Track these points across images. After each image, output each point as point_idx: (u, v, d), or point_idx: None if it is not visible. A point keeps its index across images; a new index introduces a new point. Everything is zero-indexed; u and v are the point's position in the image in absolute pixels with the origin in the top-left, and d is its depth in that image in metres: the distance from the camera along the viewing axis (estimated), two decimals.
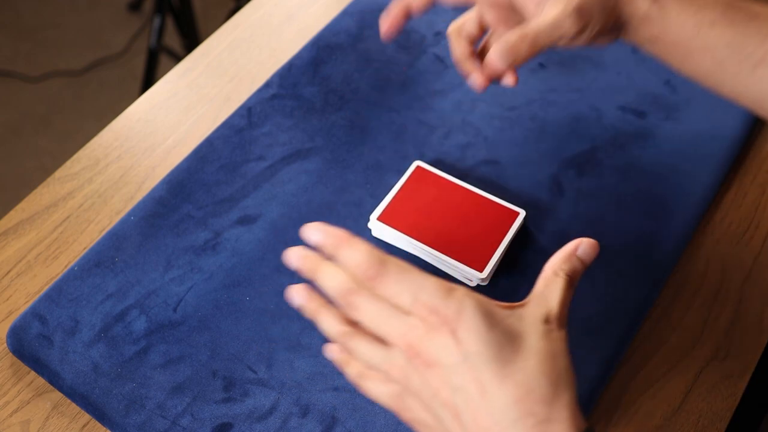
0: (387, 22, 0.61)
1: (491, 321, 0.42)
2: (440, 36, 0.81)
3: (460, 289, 0.43)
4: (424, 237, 0.64)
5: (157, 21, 1.67)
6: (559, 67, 0.78)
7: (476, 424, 0.42)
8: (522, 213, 0.66)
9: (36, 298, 0.63)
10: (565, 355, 0.44)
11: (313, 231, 0.46)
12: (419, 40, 0.80)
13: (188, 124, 0.76)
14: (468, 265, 0.63)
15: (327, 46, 0.80)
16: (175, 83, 0.79)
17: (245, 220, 0.67)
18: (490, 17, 0.61)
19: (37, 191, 0.71)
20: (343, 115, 0.75)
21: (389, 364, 0.45)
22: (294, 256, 0.47)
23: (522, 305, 0.45)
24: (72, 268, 0.64)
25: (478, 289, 0.64)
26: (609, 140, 0.73)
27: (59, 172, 0.72)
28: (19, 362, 0.61)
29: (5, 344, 0.62)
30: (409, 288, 0.43)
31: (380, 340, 0.45)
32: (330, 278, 0.45)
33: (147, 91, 0.78)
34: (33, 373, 0.61)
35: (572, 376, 0.43)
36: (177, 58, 1.68)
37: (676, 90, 0.77)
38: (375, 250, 0.44)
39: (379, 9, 0.83)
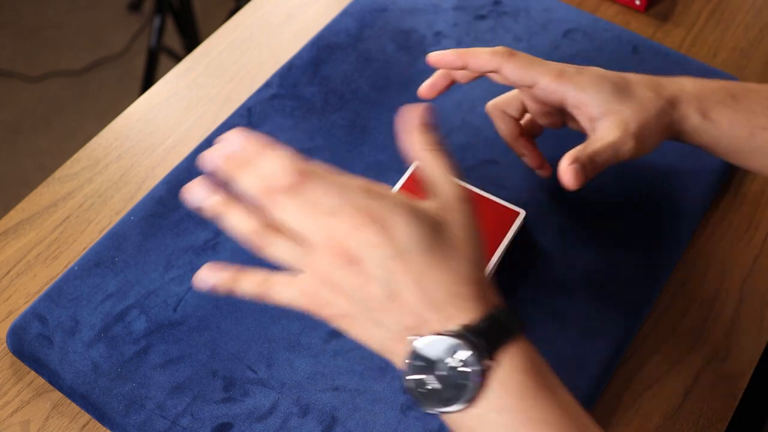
0: (429, 86, 0.63)
1: (419, 215, 0.45)
2: (440, 36, 0.81)
3: (385, 188, 0.46)
4: None
5: (157, 21, 1.67)
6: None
7: (408, 308, 0.44)
8: (522, 213, 0.66)
9: (36, 298, 0.63)
10: (477, 228, 0.48)
11: (234, 136, 0.46)
12: (419, 40, 0.80)
13: (188, 124, 0.76)
14: None
15: (327, 46, 0.80)
16: (175, 83, 0.79)
17: None
18: (534, 109, 0.63)
19: (37, 191, 0.71)
20: (343, 115, 0.75)
21: (307, 261, 0.45)
22: (214, 155, 0.46)
23: (430, 197, 0.48)
24: (72, 268, 0.64)
25: None
26: None
27: (59, 172, 0.72)
28: (19, 362, 0.61)
29: (5, 344, 0.62)
30: (338, 189, 0.44)
31: (298, 240, 0.46)
32: (254, 176, 0.45)
33: (147, 91, 0.78)
34: (33, 373, 0.61)
35: (483, 253, 0.47)
36: (177, 58, 1.68)
37: None
38: (295, 156, 0.44)
39: (380, 9, 0.83)
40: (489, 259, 0.63)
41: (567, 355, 0.61)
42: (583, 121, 0.59)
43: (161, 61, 1.78)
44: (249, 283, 0.48)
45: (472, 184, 0.69)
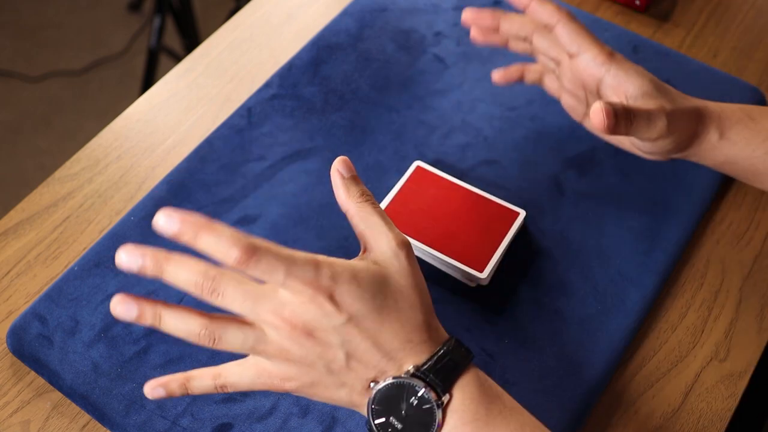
0: (502, 72, 0.65)
1: (360, 278, 0.46)
2: (440, 36, 0.81)
3: (325, 259, 0.46)
4: (424, 237, 0.64)
5: (157, 21, 1.67)
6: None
7: (367, 365, 0.47)
8: (522, 213, 0.66)
9: (36, 298, 0.63)
10: (418, 271, 0.49)
11: (168, 219, 0.43)
12: (419, 40, 0.80)
13: (188, 124, 0.76)
14: (468, 266, 0.63)
15: (327, 46, 0.80)
16: (175, 83, 0.79)
17: (245, 220, 0.67)
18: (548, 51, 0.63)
19: (37, 191, 0.71)
20: (343, 115, 0.75)
21: (264, 344, 0.46)
22: (131, 255, 0.44)
23: (368, 250, 0.49)
24: (72, 268, 0.64)
25: (478, 289, 0.64)
26: None
27: (59, 172, 0.72)
28: (19, 362, 0.61)
29: (5, 344, 0.62)
30: (281, 265, 0.44)
31: (248, 324, 0.46)
32: (186, 268, 0.45)
33: (147, 91, 0.78)
34: (33, 373, 0.61)
35: (427, 293, 0.49)
36: (177, 58, 1.68)
37: None
38: (238, 232, 0.44)
39: (380, 9, 0.83)
40: (489, 259, 0.63)
41: (567, 355, 0.61)
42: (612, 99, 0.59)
43: (161, 61, 1.78)
44: (201, 383, 0.49)
45: (472, 184, 0.69)
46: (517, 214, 0.66)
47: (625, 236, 0.67)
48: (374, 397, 0.47)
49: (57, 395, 0.60)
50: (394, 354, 0.47)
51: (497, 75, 0.66)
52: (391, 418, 0.47)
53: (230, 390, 0.49)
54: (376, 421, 0.47)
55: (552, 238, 0.67)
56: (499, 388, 0.48)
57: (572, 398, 0.59)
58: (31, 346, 0.61)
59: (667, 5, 0.87)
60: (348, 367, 0.46)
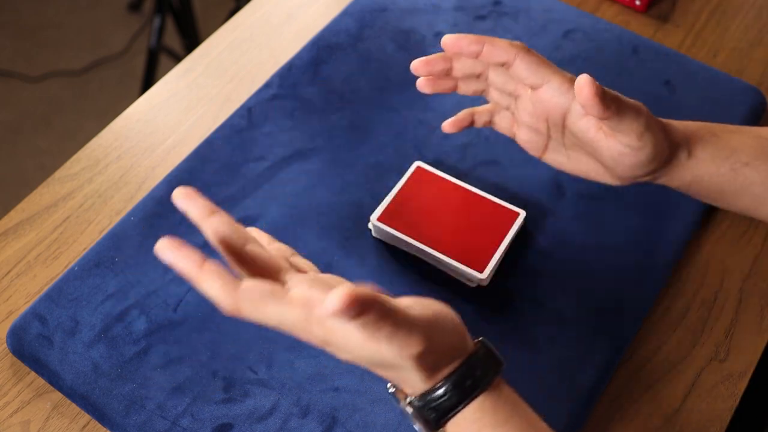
0: (451, 122, 0.62)
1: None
2: (440, 36, 0.81)
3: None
4: (424, 238, 0.64)
5: (157, 21, 1.67)
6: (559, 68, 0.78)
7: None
8: (522, 213, 0.66)
9: (36, 298, 0.63)
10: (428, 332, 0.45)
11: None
12: (419, 40, 0.80)
13: (188, 124, 0.76)
14: (468, 266, 0.63)
15: (327, 46, 0.80)
16: (175, 83, 0.79)
17: (245, 221, 0.67)
18: (503, 86, 0.60)
19: (37, 191, 0.71)
20: (343, 116, 0.75)
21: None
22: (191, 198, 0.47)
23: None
24: (72, 269, 0.64)
25: (478, 289, 0.64)
26: None
27: (59, 172, 0.72)
28: (19, 362, 0.61)
29: (5, 344, 0.62)
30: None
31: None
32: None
33: (147, 91, 0.78)
34: (33, 374, 0.61)
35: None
36: (177, 58, 1.68)
37: (675, 90, 0.77)
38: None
39: (380, 9, 0.83)
40: (489, 260, 0.63)
41: (567, 355, 0.61)
42: (581, 128, 0.58)
43: (161, 61, 1.78)
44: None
45: (472, 185, 0.69)
46: (517, 214, 0.66)
47: (624, 236, 0.67)
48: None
49: (57, 395, 0.60)
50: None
51: (448, 125, 0.63)
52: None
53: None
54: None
55: (552, 238, 0.67)
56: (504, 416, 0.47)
57: (572, 398, 0.59)
58: (31, 346, 0.61)
59: (667, 5, 0.87)
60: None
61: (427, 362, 0.45)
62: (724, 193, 0.59)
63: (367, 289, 0.41)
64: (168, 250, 0.44)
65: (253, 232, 0.52)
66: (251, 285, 0.43)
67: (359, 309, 0.40)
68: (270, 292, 0.43)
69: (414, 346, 0.43)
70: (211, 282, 0.43)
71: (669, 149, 0.57)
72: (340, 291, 0.39)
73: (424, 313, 0.45)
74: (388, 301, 0.43)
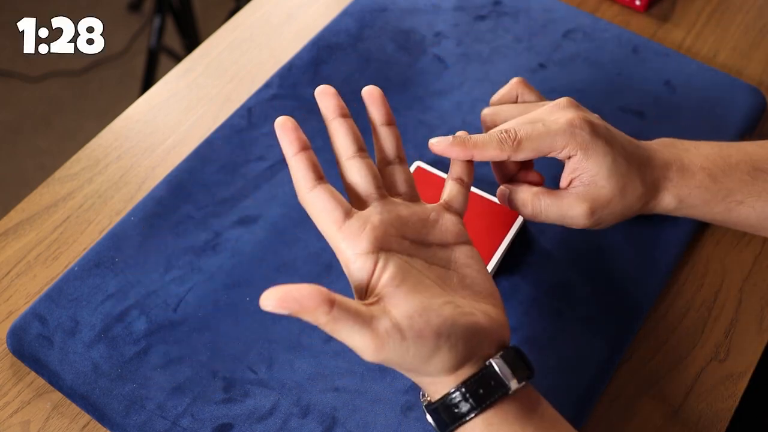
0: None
1: None
2: (440, 36, 0.81)
3: None
4: None
5: (157, 21, 1.67)
6: (559, 68, 0.78)
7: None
8: None
9: (36, 298, 0.63)
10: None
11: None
12: (419, 40, 0.80)
13: (188, 124, 0.76)
14: None
15: (327, 46, 0.80)
16: (175, 83, 0.79)
17: (245, 221, 0.67)
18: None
19: (37, 191, 0.71)
20: None
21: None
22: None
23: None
24: (72, 269, 0.64)
25: None
26: None
27: (59, 172, 0.72)
28: (19, 362, 0.61)
29: (5, 344, 0.62)
30: None
31: None
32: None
33: (147, 91, 0.78)
34: (33, 374, 0.61)
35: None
36: (177, 58, 1.68)
37: (676, 90, 0.77)
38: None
39: (380, 9, 0.83)
40: (489, 260, 0.63)
41: (567, 355, 0.61)
42: (566, 170, 0.59)
43: (161, 61, 1.78)
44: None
45: (472, 185, 0.68)
46: (517, 214, 0.66)
47: (625, 236, 0.67)
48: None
49: (57, 395, 0.60)
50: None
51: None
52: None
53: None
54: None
55: (552, 238, 0.67)
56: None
57: (572, 398, 0.59)
58: (31, 346, 0.61)
59: (667, 5, 0.87)
60: None
61: (427, 363, 0.46)
62: (719, 222, 0.62)
63: (307, 287, 0.43)
64: (280, 128, 0.52)
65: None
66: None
67: (291, 306, 0.42)
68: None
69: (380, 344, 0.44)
70: (297, 167, 0.52)
71: (644, 196, 0.59)
72: (269, 291, 0.42)
73: (434, 321, 0.46)
74: (340, 301, 0.44)
